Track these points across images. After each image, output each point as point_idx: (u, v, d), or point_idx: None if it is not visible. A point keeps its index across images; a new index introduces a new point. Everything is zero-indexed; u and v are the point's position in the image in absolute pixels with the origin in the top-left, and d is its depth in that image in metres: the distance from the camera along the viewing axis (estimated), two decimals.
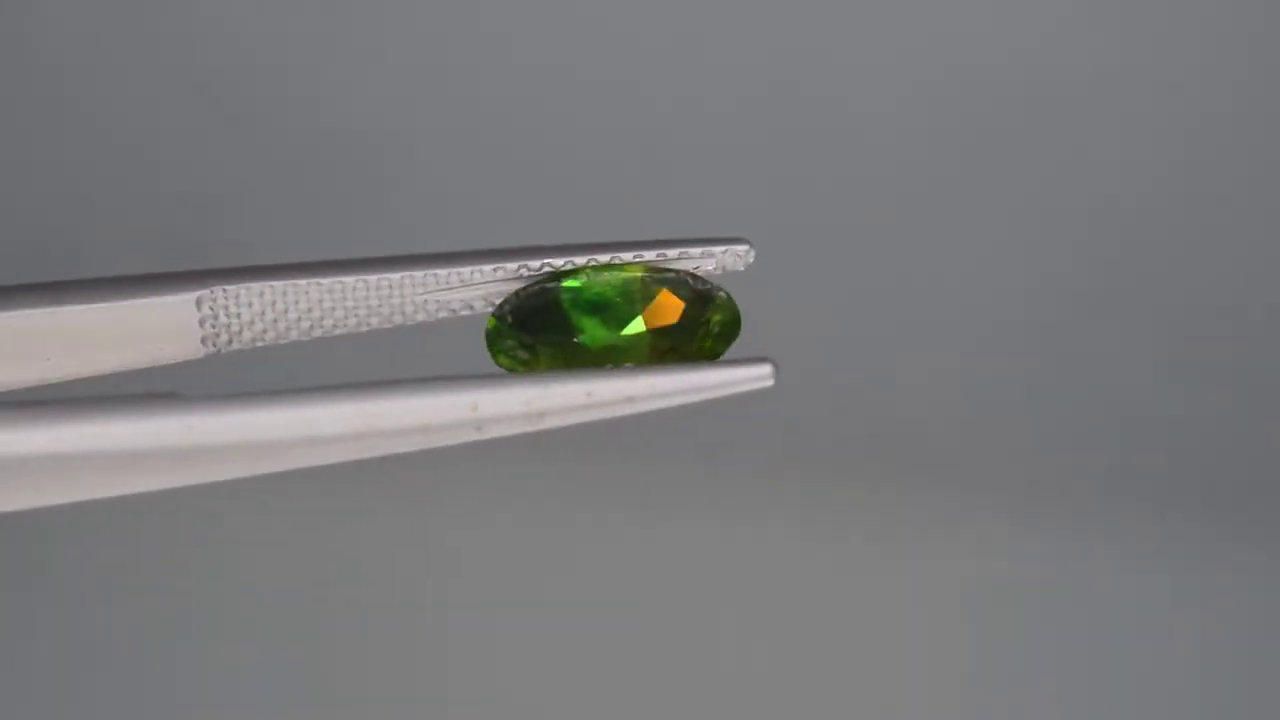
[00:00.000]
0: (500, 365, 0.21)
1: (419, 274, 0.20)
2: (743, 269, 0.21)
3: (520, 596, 0.50)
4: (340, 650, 0.49)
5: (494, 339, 0.20)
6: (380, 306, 0.20)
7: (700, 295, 0.21)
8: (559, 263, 0.20)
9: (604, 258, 0.20)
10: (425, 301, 0.20)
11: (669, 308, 0.20)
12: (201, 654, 0.48)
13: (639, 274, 0.21)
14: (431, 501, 0.50)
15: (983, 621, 0.50)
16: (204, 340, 0.19)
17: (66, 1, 0.50)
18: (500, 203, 0.51)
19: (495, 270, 0.20)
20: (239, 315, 0.20)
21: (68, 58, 0.50)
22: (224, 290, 0.19)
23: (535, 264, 0.20)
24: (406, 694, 0.48)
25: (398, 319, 0.20)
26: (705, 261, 0.20)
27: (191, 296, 0.19)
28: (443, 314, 0.20)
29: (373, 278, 0.20)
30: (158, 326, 0.19)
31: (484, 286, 0.20)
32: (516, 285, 0.20)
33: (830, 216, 0.50)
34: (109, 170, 0.51)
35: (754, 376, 0.19)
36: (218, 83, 0.50)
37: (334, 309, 0.20)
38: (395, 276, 0.20)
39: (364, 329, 0.20)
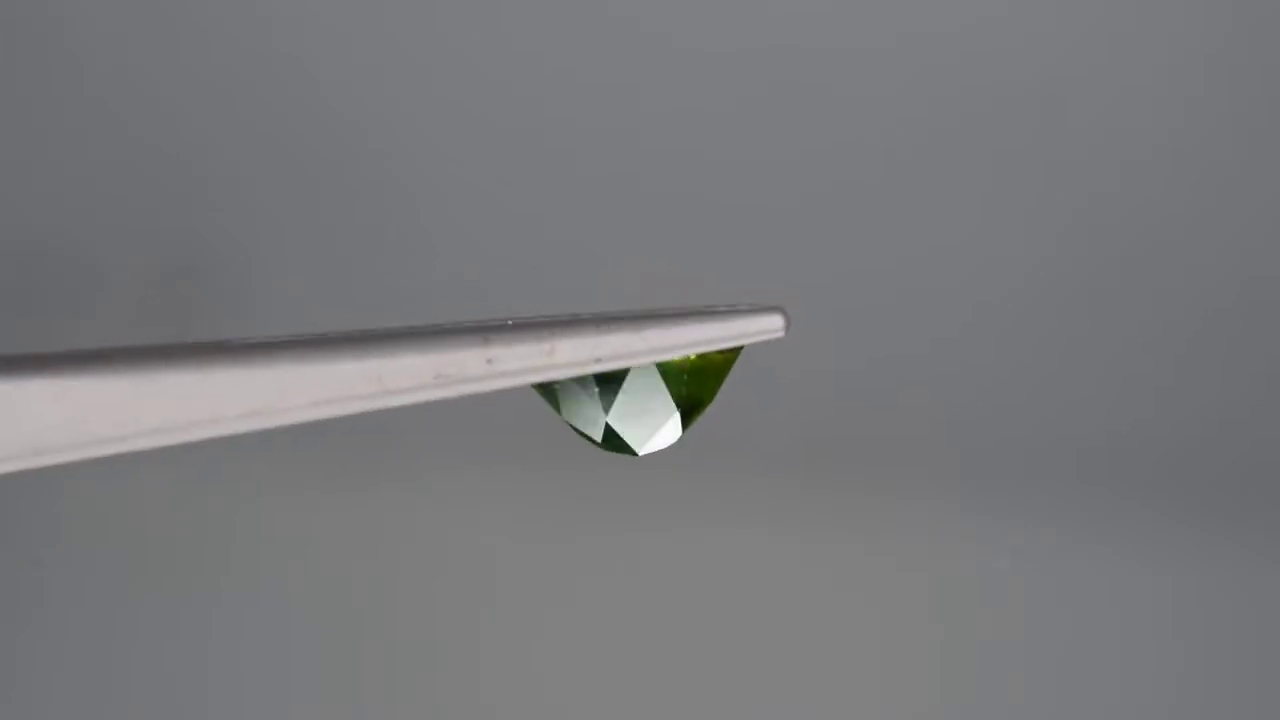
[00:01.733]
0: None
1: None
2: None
3: (519, 599, 0.50)
4: (338, 649, 0.49)
5: None
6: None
7: None
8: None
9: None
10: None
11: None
12: (201, 651, 0.48)
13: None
14: (436, 505, 0.50)
15: (985, 620, 0.50)
16: None
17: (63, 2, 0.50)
18: (504, 210, 0.51)
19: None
20: None
21: (65, 55, 0.50)
22: None
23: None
24: (400, 691, 0.48)
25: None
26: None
27: None
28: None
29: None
30: None
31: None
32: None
33: (832, 217, 0.50)
34: (101, 172, 0.51)
35: (766, 328, 0.19)
36: (221, 81, 0.50)
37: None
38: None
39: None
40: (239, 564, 0.49)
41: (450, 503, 0.50)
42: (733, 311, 0.19)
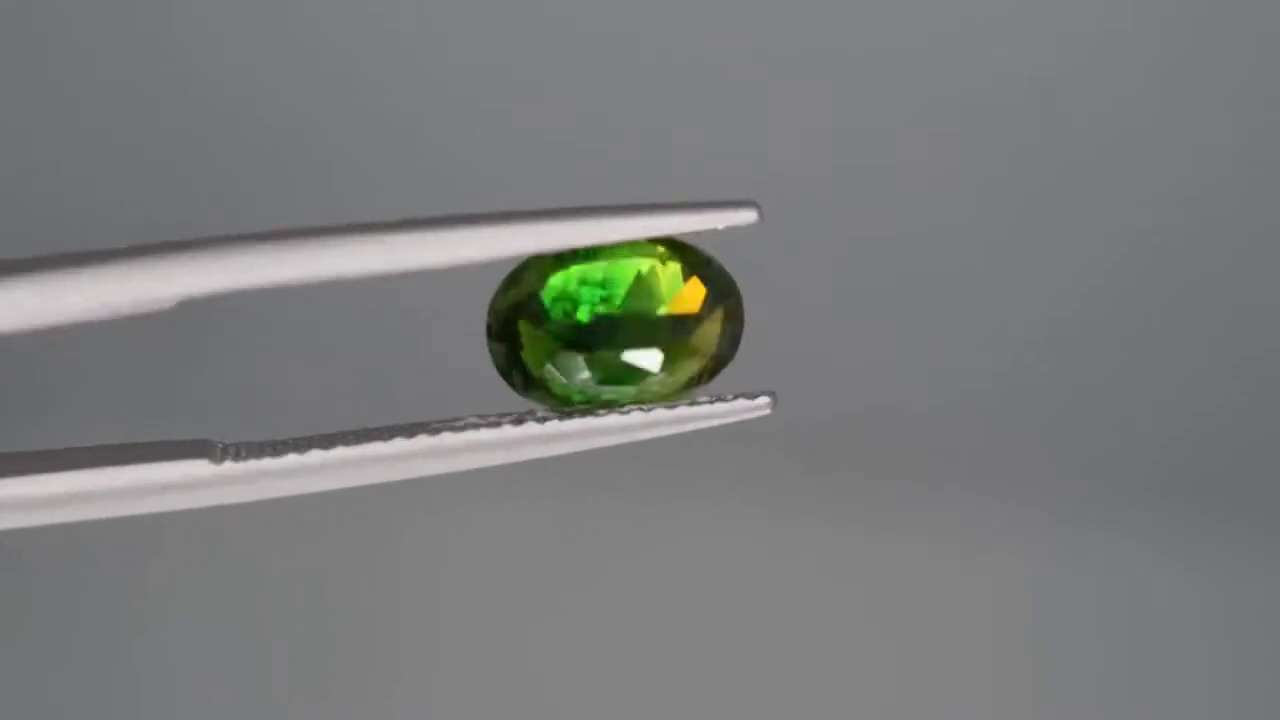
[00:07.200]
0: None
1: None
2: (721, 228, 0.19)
3: (511, 596, 0.49)
4: (334, 652, 0.48)
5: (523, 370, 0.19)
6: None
7: (720, 289, 0.19)
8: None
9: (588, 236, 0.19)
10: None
11: (690, 298, 0.19)
12: (194, 658, 0.48)
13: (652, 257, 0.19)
14: (430, 499, 0.50)
15: (991, 622, 0.49)
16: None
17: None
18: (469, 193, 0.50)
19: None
20: None
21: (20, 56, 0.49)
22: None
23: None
24: (393, 693, 0.48)
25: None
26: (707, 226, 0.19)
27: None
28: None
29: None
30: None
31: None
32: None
33: (836, 214, 0.50)
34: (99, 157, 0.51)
35: (752, 408, 0.19)
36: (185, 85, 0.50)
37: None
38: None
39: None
40: (219, 553, 0.48)
41: (450, 498, 0.50)
42: (721, 397, 0.19)
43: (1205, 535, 0.50)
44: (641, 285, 0.19)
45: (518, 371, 0.19)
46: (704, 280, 0.19)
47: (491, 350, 0.19)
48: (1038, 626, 0.50)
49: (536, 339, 0.19)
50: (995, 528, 0.50)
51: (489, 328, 0.19)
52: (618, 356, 0.19)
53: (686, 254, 0.19)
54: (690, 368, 0.19)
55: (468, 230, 0.18)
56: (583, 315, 0.19)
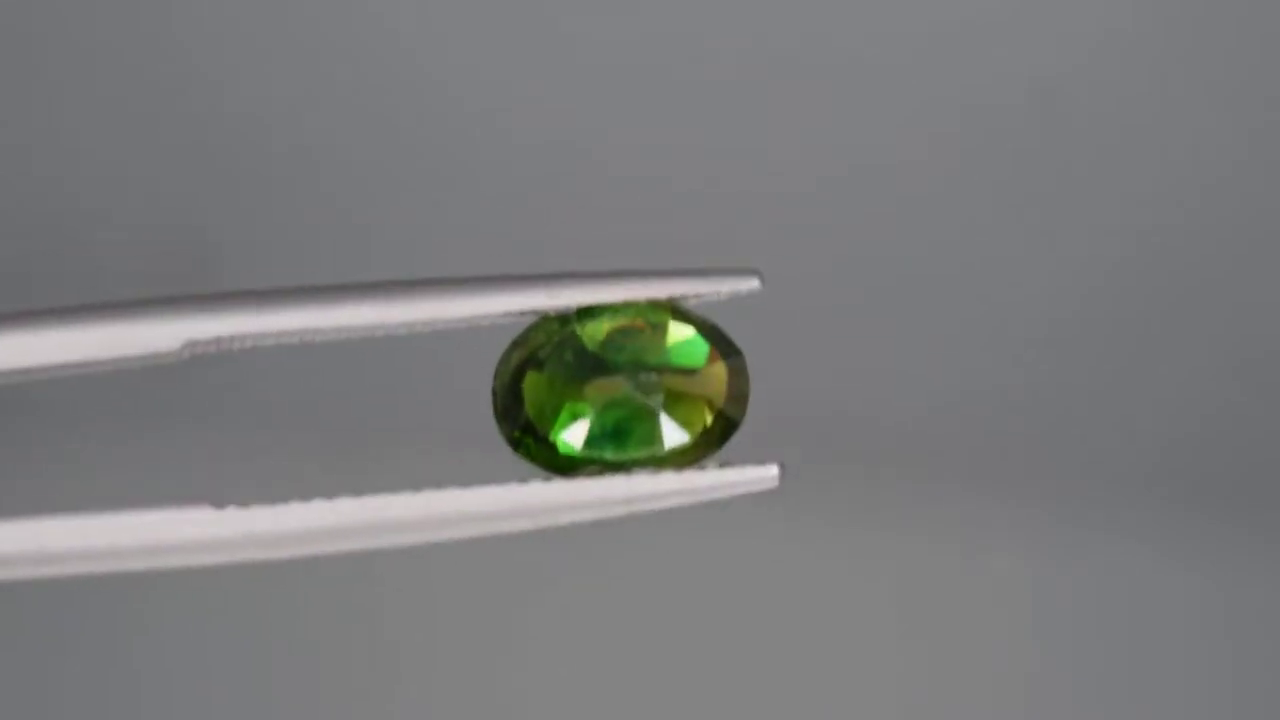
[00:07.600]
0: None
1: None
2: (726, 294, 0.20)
3: (511, 595, 0.49)
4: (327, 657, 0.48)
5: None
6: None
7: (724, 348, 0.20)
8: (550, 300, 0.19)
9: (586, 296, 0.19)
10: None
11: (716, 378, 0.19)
12: (194, 658, 0.48)
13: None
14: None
15: (991, 622, 0.49)
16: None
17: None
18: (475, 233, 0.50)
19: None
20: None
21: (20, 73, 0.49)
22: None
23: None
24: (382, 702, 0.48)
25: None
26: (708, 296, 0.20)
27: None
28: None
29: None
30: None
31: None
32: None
33: (836, 214, 0.49)
34: (109, 165, 0.50)
35: (760, 478, 0.19)
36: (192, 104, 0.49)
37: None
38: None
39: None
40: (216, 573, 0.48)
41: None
42: (729, 465, 0.19)
43: (1205, 535, 0.49)
44: (645, 336, 0.19)
45: (523, 432, 0.19)
46: (707, 339, 0.19)
47: (497, 415, 0.19)
48: (1038, 626, 0.50)
49: (540, 384, 0.19)
50: (995, 528, 0.50)
51: (494, 393, 0.19)
52: (623, 390, 0.19)
53: (688, 316, 0.19)
54: (696, 417, 0.19)
55: (475, 289, 0.19)
56: (586, 353, 0.19)
